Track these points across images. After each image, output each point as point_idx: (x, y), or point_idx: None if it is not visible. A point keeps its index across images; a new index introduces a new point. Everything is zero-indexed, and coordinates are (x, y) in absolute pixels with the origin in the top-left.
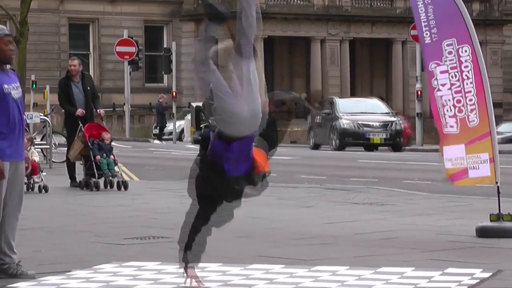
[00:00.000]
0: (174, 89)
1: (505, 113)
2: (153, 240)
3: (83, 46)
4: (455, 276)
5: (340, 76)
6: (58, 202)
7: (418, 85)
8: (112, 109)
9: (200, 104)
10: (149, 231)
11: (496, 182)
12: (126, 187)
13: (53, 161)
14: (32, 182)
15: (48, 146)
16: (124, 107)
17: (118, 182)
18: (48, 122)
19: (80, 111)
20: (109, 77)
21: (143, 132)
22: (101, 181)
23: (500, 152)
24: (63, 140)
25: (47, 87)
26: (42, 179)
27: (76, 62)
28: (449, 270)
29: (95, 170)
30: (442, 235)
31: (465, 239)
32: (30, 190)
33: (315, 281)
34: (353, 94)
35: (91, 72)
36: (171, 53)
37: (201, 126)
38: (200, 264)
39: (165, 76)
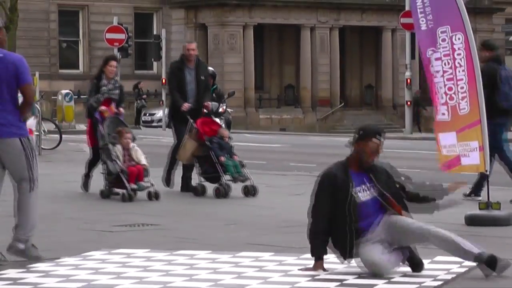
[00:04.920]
0: (163, 76)
1: None
2: (142, 227)
3: (73, 33)
4: (443, 264)
5: (330, 64)
6: (46, 189)
7: (407, 73)
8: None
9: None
10: (139, 218)
11: (486, 171)
12: (255, 193)
13: (42, 148)
14: (138, 187)
15: (38, 133)
16: None
17: (246, 188)
18: (38, 108)
19: (186, 106)
20: (99, 64)
21: (132, 119)
22: (207, 186)
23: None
24: (52, 126)
25: (37, 73)
26: (151, 184)
27: (194, 45)
28: (438, 258)
29: (221, 173)
30: (431, 223)
31: (454, 228)
32: (134, 195)
33: (305, 269)
34: (342, 82)
35: (80, 59)
36: (161, 40)
37: None
38: (189, 252)
39: (155, 63)
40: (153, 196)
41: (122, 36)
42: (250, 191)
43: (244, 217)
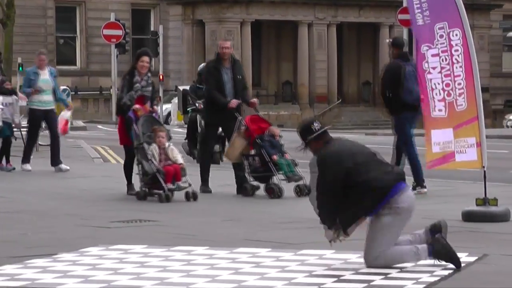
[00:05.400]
0: (161, 72)
1: (492, 98)
2: (139, 223)
3: (70, 29)
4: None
5: (327, 60)
6: (45, 185)
7: None
8: (99, 92)
9: (187, 87)
10: (136, 214)
11: (483, 167)
12: (309, 193)
13: (40, 144)
14: (176, 187)
15: None
16: (111, 90)
17: (298, 187)
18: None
19: (234, 102)
20: (96, 60)
21: None
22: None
23: (487, 137)
24: None
25: None
26: (189, 184)
27: (228, 43)
28: None
29: (274, 172)
30: (428, 219)
31: (451, 224)
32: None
33: (302, 264)
34: (340, 78)
35: (77, 55)
36: (158, 37)
37: (188, 110)
38: (187, 247)
39: (152, 60)
40: (191, 196)
41: (119, 32)
42: (302, 191)
43: (242, 213)
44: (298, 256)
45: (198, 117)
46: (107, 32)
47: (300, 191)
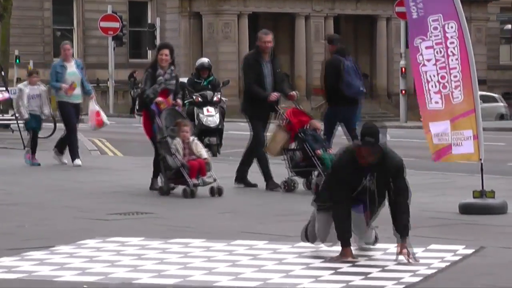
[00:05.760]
0: None
1: (489, 91)
2: (136, 215)
3: (67, 22)
4: (438, 252)
5: (324, 53)
6: (42, 178)
7: (402, 62)
8: (96, 84)
9: (185, 80)
10: (133, 207)
11: (480, 159)
12: None
13: (38, 137)
14: (201, 183)
15: None
16: (108, 82)
17: None
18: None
19: (275, 96)
20: (93, 53)
21: (127, 107)
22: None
23: (484, 130)
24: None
25: (31, 62)
26: (214, 179)
27: (270, 37)
28: (432, 246)
29: (318, 166)
30: (425, 212)
31: (448, 216)
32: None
33: (299, 257)
34: None
35: (74, 48)
36: (155, 29)
37: (185, 102)
38: (184, 240)
39: (149, 52)
40: (216, 192)
41: (116, 24)
42: None
43: (239, 205)
44: (296, 248)
45: (196, 110)
46: (104, 24)
47: None
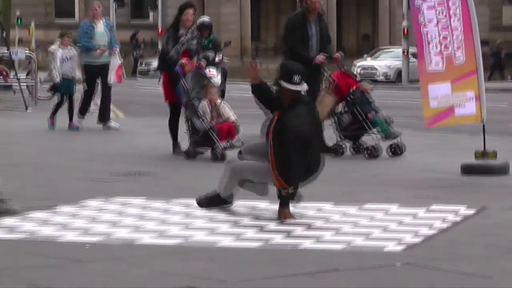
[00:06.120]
0: (160, 26)
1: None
2: (138, 176)
3: None
4: (439, 213)
5: (327, 14)
6: (44, 139)
7: (404, 23)
8: None
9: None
10: (135, 167)
11: (482, 121)
12: (402, 153)
13: (39, 98)
14: (230, 146)
15: (34, 83)
16: None
17: (393, 146)
18: (34, 58)
19: (321, 58)
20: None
21: (129, 69)
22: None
23: (486, 90)
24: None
25: (32, 23)
26: (243, 143)
27: None
28: (434, 207)
29: (369, 130)
30: (427, 173)
31: (450, 177)
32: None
33: (301, 217)
34: (339, 31)
35: (76, 8)
36: None
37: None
38: (186, 201)
39: (151, 13)
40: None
41: None
42: (396, 151)
43: None
44: (297, 209)
45: None
46: None
47: (395, 151)
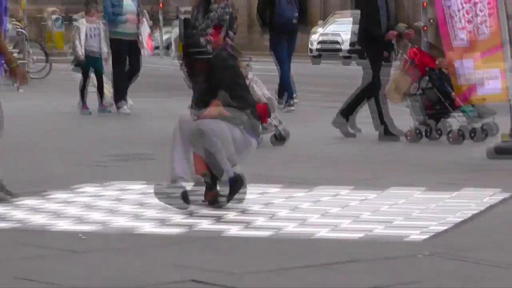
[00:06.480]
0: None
1: None
2: (137, 160)
3: None
4: (466, 199)
5: None
6: (37, 120)
7: None
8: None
9: (189, 16)
10: (133, 150)
11: (509, 100)
12: (486, 136)
13: (31, 77)
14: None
15: (25, 61)
16: None
17: (484, 127)
18: (25, 34)
19: (392, 34)
20: None
21: None
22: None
23: None
24: (42, 54)
25: None
26: (280, 122)
27: None
28: (460, 193)
29: (451, 110)
30: (452, 156)
31: (475, 162)
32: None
33: (315, 204)
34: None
35: None
36: None
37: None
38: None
39: None
40: (279, 137)
41: None
42: (492, 130)
43: None
44: (312, 193)
45: None
46: None
47: (490, 129)
